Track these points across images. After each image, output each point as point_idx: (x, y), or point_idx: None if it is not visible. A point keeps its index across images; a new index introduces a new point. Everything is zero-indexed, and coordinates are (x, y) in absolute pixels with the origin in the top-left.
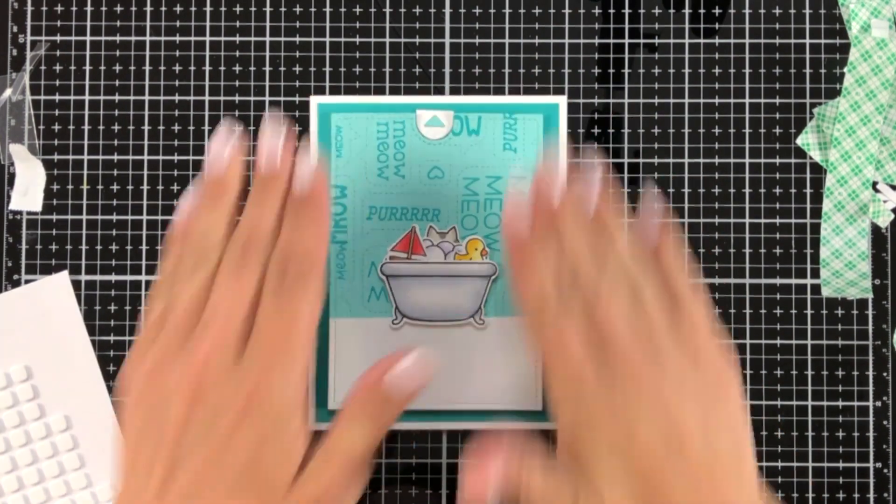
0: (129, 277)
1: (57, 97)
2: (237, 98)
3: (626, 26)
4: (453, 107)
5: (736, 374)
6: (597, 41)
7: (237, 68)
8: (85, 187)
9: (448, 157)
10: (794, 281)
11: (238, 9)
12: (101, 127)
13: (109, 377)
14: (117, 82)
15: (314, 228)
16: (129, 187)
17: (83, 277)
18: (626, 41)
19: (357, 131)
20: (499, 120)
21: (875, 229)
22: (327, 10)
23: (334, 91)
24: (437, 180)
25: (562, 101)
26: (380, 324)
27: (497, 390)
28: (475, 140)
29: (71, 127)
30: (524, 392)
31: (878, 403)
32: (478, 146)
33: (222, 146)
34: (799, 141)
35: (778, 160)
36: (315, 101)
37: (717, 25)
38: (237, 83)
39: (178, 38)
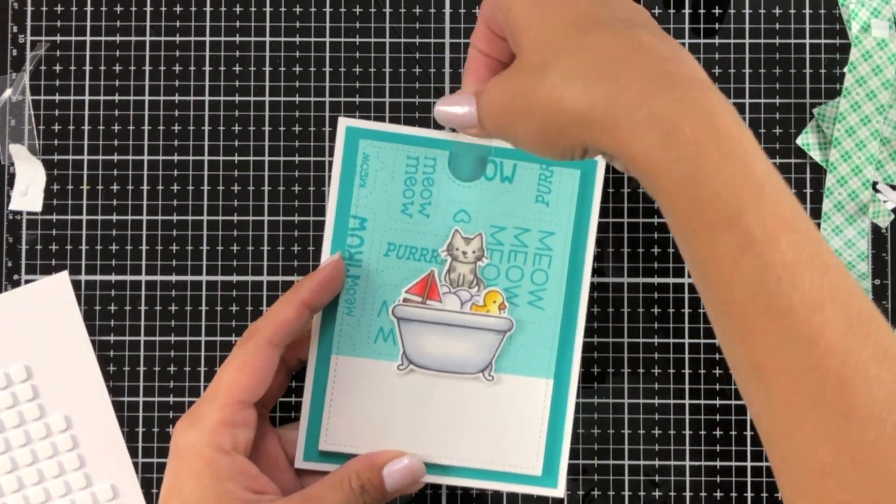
0: (129, 277)
1: (57, 97)
2: (237, 98)
3: None
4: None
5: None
6: None
7: (237, 68)
8: (85, 187)
9: (477, 201)
10: None
11: (238, 9)
12: (101, 127)
13: (109, 377)
14: (117, 82)
15: (280, 300)
16: (129, 187)
17: (83, 277)
18: None
19: (384, 162)
20: (535, 170)
21: (875, 229)
22: (327, 10)
23: (334, 92)
24: (464, 224)
25: (601, 160)
26: (384, 367)
27: (498, 450)
28: (507, 188)
29: (71, 127)
30: (526, 454)
31: None
32: (509, 194)
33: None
34: (799, 141)
35: (778, 160)
36: (343, 123)
37: (717, 25)
38: (237, 83)
39: (178, 38)
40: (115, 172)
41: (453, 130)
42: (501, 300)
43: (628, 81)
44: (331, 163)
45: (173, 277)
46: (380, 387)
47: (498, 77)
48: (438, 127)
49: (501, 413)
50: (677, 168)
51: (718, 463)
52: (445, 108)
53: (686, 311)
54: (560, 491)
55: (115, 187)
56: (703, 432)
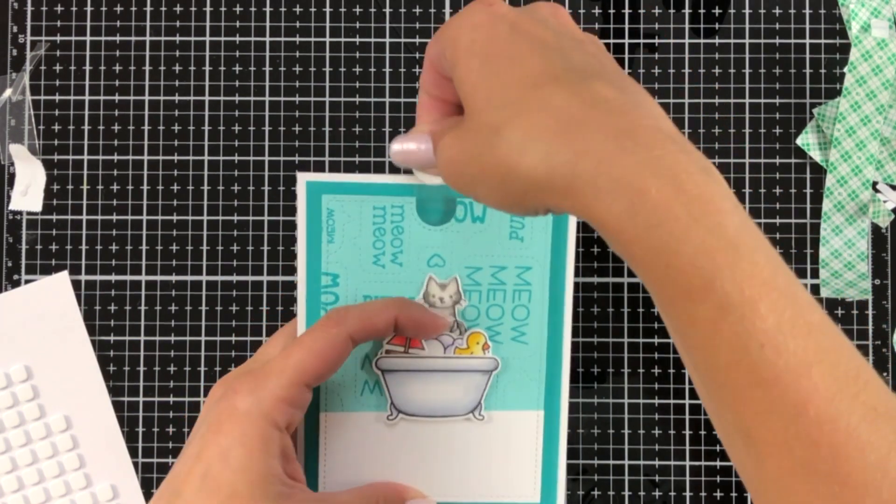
0: (129, 277)
1: (57, 97)
2: (237, 98)
3: (626, 26)
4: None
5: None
6: None
7: (237, 68)
8: (85, 187)
9: (450, 244)
10: None
11: (238, 9)
12: (101, 127)
13: (109, 377)
14: (117, 82)
15: (382, 304)
16: (129, 187)
17: (83, 277)
18: (626, 41)
19: (350, 214)
20: None
21: (875, 229)
22: (327, 10)
23: (334, 92)
24: (438, 269)
25: None
26: (373, 418)
27: (495, 482)
28: (479, 227)
29: (71, 127)
30: (523, 485)
31: None
32: (482, 234)
33: None
34: (799, 141)
35: (778, 160)
36: (302, 178)
37: (717, 25)
38: (237, 83)
39: (178, 38)
40: (115, 172)
41: (410, 172)
42: (484, 340)
43: (587, 144)
44: (331, 163)
45: (173, 277)
46: (371, 438)
47: (452, 135)
48: (396, 170)
49: (495, 449)
50: (647, 235)
51: (718, 463)
52: (401, 146)
53: None
54: None
55: (115, 187)
56: (703, 432)
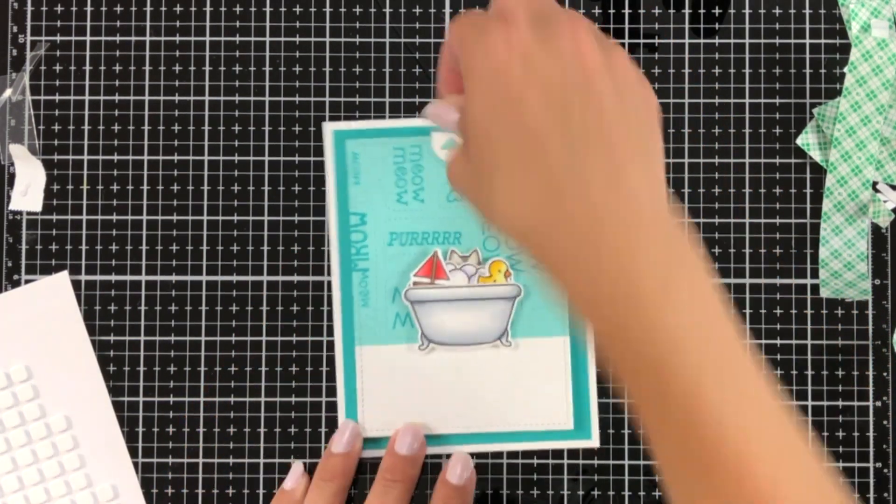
0: (129, 277)
1: (57, 97)
2: (237, 98)
3: (626, 26)
4: None
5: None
6: None
7: (237, 68)
8: (85, 187)
9: None
10: (793, 281)
11: (238, 9)
12: (101, 127)
13: (109, 377)
14: (117, 82)
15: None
16: (129, 187)
17: (83, 277)
18: (626, 41)
19: (373, 157)
20: None
21: (875, 229)
22: (327, 10)
23: (334, 92)
24: (458, 203)
25: None
26: (406, 349)
27: (527, 411)
28: None
29: (71, 127)
30: (555, 411)
31: (878, 403)
32: None
33: (343, 434)
34: (799, 141)
35: (778, 160)
36: (329, 127)
37: (717, 25)
38: (237, 83)
39: (178, 38)
40: (115, 172)
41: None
42: (506, 268)
43: (561, 214)
44: None
45: (173, 277)
46: (406, 369)
47: (459, 158)
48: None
49: (526, 375)
50: (602, 315)
51: None
52: (436, 110)
53: None
54: (594, 441)
55: (115, 187)
56: None
